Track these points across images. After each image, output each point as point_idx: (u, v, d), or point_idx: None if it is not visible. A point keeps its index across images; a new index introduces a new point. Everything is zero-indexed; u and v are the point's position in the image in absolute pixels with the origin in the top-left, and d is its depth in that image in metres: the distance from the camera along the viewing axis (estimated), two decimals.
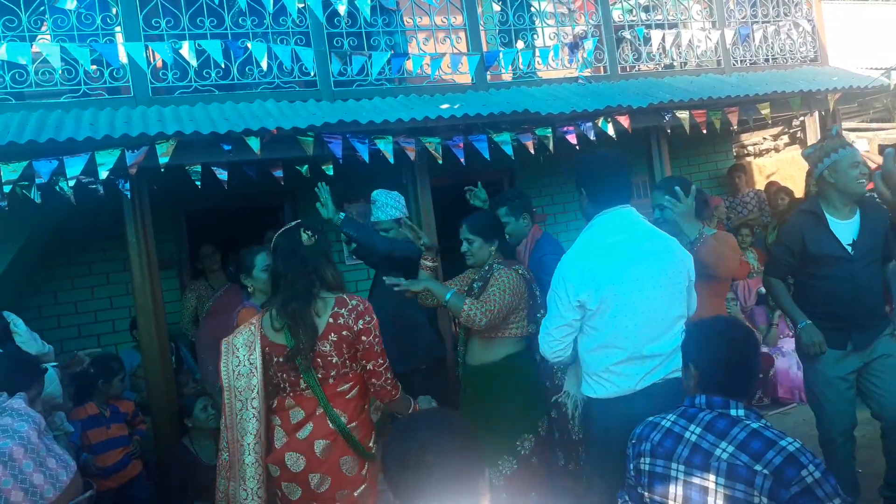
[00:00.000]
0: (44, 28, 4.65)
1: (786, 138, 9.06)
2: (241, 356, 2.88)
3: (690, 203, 3.49)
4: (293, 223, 3.02)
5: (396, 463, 1.63)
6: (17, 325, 3.78)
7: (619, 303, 2.69)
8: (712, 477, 1.99)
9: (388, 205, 4.25)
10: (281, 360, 2.85)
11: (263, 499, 2.84)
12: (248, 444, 2.83)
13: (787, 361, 5.76)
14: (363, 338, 2.84)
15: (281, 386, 2.91)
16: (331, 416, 2.83)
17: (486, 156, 4.93)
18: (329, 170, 4.67)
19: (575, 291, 2.71)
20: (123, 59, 4.69)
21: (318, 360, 2.82)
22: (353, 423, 2.88)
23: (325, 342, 2.80)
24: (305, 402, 2.88)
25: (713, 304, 3.52)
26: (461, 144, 4.89)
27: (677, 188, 3.54)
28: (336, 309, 2.83)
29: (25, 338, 3.73)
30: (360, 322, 2.84)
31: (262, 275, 3.68)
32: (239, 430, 2.85)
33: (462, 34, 5.69)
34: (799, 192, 7.43)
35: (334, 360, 2.82)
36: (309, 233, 2.92)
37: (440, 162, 4.86)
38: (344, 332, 2.81)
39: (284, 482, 2.84)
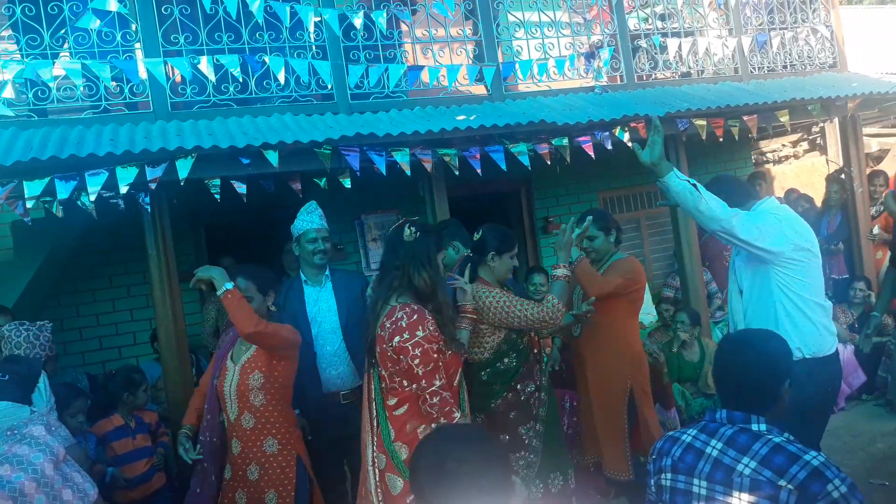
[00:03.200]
0: (65, 46, 4.72)
1: (805, 145, 9.00)
2: None
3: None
4: (402, 219, 2.97)
5: (432, 474, 1.63)
6: (46, 384, 3.59)
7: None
8: (735, 493, 1.97)
9: (324, 217, 4.12)
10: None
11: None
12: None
13: None
14: (401, 356, 2.66)
15: None
16: (384, 429, 2.75)
17: (503, 166, 4.94)
18: (346, 182, 4.69)
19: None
20: (143, 74, 4.74)
21: (379, 365, 2.74)
22: (399, 443, 2.74)
23: (376, 351, 2.72)
24: (373, 407, 2.82)
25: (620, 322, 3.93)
26: (478, 155, 4.89)
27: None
28: (384, 319, 2.71)
29: (43, 396, 3.49)
30: (397, 338, 2.66)
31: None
32: None
33: (470, 45, 5.70)
34: (819, 200, 7.37)
35: (383, 372, 2.72)
36: (412, 229, 2.83)
37: (457, 173, 4.86)
38: (384, 346, 2.69)
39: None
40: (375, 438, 2.80)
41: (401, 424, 2.74)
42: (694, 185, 3.28)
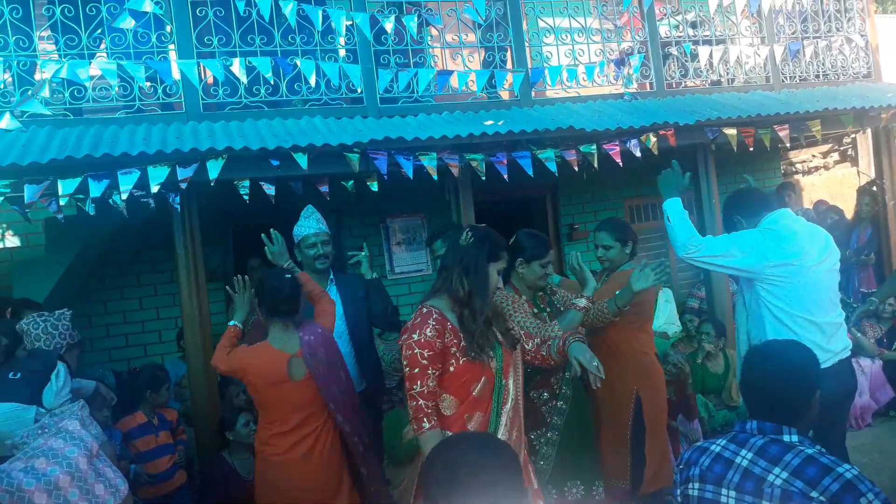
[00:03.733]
0: (102, 46, 4.80)
1: (836, 156, 8.87)
2: None
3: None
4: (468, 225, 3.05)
5: (444, 482, 1.62)
6: (59, 376, 3.59)
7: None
8: (765, 503, 1.94)
9: (322, 220, 4.19)
10: None
11: None
12: None
13: None
14: (401, 353, 2.78)
15: None
16: None
17: (530, 172, 4.93)
18: (374, 185, 4.71)
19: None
20: (176, 75, 4.81)
21: None
22: None
23: None
24: None
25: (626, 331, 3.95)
26: (505, 161, 4.89)
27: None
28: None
29: (53, 388, 3.52)
30: (403, 336, 2.78)
31: None
32: None
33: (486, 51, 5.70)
34: (849, 212, 7.26)
35: None
36: (469, 234, 2.88)
37: (483, 178, 4.86)
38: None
39: None
40: None
41: None
42: (667, 218, 3.58)
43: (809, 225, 3.69)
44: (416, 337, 2.71)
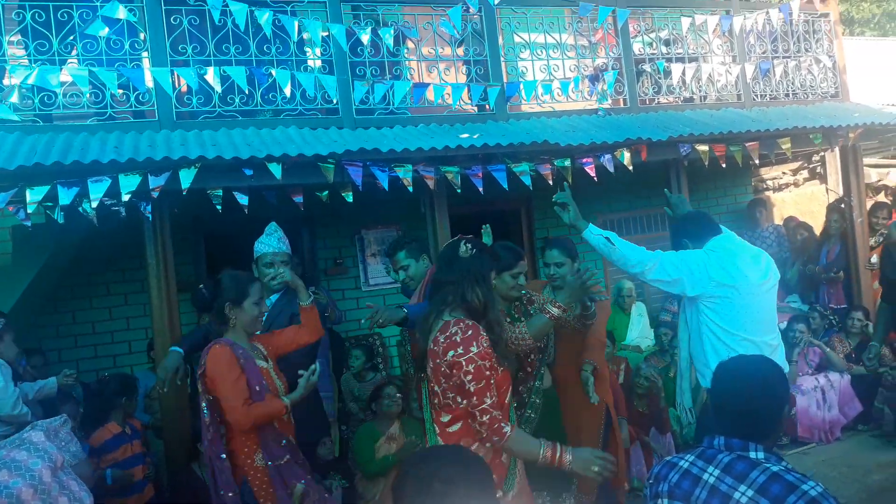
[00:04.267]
0: (73, 52, 4.73)
1: (805, 173, 9.02)
2: None
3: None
4: (457, 237, 2.94)
5: (418, 495, 1.62)
6: None
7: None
8: None
9: (285, 239, 4.03)
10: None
11: None
12: None
13: (806, 400, 5.67)
14: (454, 371, 2.60)
15: None
16: (432, 443, 2.75)
17: (505, 185, 4.95)
18: (349, 196, 4.70)
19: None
20: (150, 83, 4.76)
21: (431, 380, 2.72)
22: None
23: (428, 366, 2.71)
24: (423, 420, 2.86)
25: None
26: (480, 174, 4.91)
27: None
28: (437, 334, 2.68)
29: None
30: (451, 353, 2.61)
31: (254, 309, 3.26)
32: None
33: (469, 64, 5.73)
34: (818, 228, 7.38)
35: (436, 388, 2.69)
36: (468, 246, 2.82)
37: (459, 191, 4.87)
38: (437, 361, 2.65)
39: None
40: None
41: (455, 442, 2.69)
42: (608, 239, 3.66)
43: (751, 248, 3.84)
44: (474, 350, 2.59)
